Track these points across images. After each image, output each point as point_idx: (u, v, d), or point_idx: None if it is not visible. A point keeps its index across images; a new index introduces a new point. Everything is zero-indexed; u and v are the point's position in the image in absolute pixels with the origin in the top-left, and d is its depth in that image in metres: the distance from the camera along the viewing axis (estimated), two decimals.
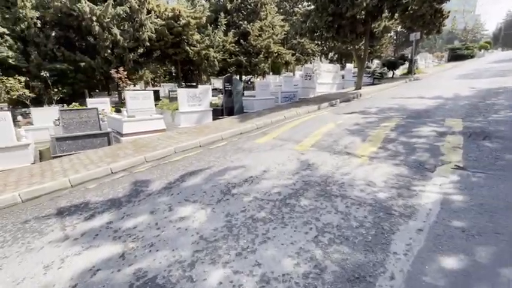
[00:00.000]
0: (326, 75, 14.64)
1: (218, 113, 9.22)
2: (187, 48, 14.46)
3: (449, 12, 15.29)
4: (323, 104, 9.41)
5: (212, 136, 5.85)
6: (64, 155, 5.73)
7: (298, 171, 3.64)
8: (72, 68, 11.46)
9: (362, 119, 6.57)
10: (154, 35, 12.64)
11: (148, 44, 12.35)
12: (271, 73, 23.25)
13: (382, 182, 3.15)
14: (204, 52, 15.42)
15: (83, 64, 11.40)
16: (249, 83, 19.01)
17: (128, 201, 3.22)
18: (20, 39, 10.13)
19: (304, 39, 24.76)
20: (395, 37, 34.38)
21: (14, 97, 9.48)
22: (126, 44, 11.70)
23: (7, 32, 9.72)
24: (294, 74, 25.50)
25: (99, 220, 2.83)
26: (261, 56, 18.70)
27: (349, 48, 28.95)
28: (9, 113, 5.25)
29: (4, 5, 9.77)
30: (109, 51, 11.52)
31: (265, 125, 7.03)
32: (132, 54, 12.16)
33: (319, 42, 28.30)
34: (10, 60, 9.74)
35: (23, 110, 8.92)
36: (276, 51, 19.44)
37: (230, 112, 9.22)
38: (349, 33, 11.60)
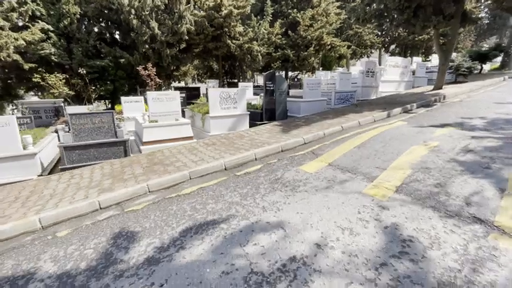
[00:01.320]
0: (392, 70, 11.98)
1: (256, 117, 7.78)
2: (229, 41, 13.35)
3: None
4: (394, 110, 7.19)
5: (243, 155, 4.41)
6: (74, 167, 4.95)
7: (386, 261, 1.93)
8: (112, 64, 11.31)
9: (471, 139, 4.37)
10: (193, 28, 11.79)
11: (187, 37, 11.57)
12: (320, 69, 20.91)
13: None
14: (247, 46, 14.16)
15: (122, 60, 11.16)
16: (296, 80, 17.14)
17: (83, 286, 1.96)
18: (63, 36, 10.25)
19: (362, 29, 21.70)
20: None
21: (55, 95, 9.54)
22: (163, 38, 11.06)
23: (51, 29, 9.83)
24: (347, 70, 22.65)
25: None
26: (311, 48, 16.62)
27: (417, 38, 24.61)
28: (14, 117, 4.60)
29: (49, 1, 9.88)
30: (147, 46, 11.05)
31: (316, 138, 5.31)
32: (170, 49, 11.48)
33: (383, 32, 24.67)
34: (53, 57, 9.87)
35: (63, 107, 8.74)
36: (329, 43, 17.12)
37: (271, 116, 7.70)
38: (432, 15, 8.92)
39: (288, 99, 8.22)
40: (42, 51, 9.40)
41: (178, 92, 6.28)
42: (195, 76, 26.87)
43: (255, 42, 14.93)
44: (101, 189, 3.56)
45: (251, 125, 7.56)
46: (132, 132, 7.40)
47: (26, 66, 9.53)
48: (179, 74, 24.32)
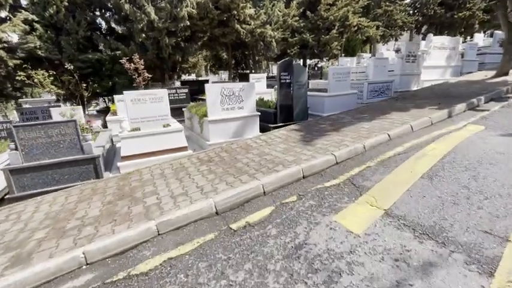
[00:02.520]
0: (437, 54, 9.84)
1: (269, 118, 6.25)
2: (238, 26, 11.73)
3: None
4: (456, 107, 5.35)
5: (245, 189, 2.95)
6: (25, 196, 3.77)
7: None
8: (108, 58, 10.15)
9: None
10: (195, 11, 10.29)
11: (188, 23, 10.12)
12: (342, 55, 18.73)
13: None
14: (259, 31, 12.46)
15: (118, 53, 9.96)
16: (316, 69, 15.21)
17: None
18: (50, 27, 9.19)
19: (393, 7, 19.08)
20: None
21: (41, 94, 8.55)
22: (161, 25, 9.67)
23: (36, 19, 8.75)
24: (374, 55, 20.29)
25: None
26: (334, 31, 14.52)
27: (457, 16, 21.41)
28: None
29: None
30: (143, 35, 9.74)
31: (353, 155, 3.73)
32: (170, 38, 10.08)
33: (415, 10, 21.70)
34: (40, 52, 8.83)
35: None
36: (355, 23, 14.92)
37: (287, 117, 6.14)
38: None
39: (308, 93, 6.59)
40: (26, 45, 8.41)
41: (165, 90, 4.89)
42: (208, 68, 25.50)
43: (268, 26, 13.16)
44: (16, 257, 2.27)
45: (262, 129, 6.07)
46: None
47: (11, 63, 8.60)
48: (188, 66, 23.14)
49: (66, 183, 4.17)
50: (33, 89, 9.04)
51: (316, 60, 21.14)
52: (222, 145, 4.94)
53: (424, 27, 26.61)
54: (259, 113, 5.76)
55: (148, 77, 6.50)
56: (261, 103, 7.12)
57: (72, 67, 7.88)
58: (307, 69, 14.39)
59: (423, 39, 22.41)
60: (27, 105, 9.83)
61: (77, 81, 8.94)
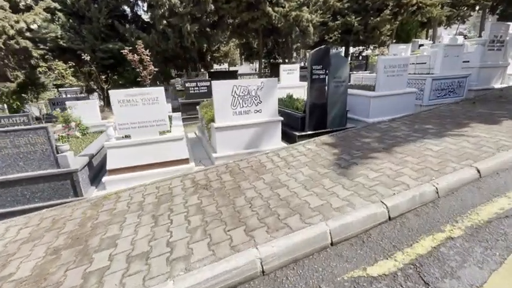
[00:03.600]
0: None
1: (295, 123, 4.99)
2: (269, 10, 10.30)
3: None
4: None
5: (233, 266, 1.83)
6: None
7: None
8: (130, 47, 9.63)
9: None
10: None
11: (212, 7, 9.06)
12: (393, 41, 16.06)
13: None
14: (293, 14, 10.87)
15: (139, 42, 9.34)
16: (360, 58, 13.04)
17: None
18: (72, 15, 8.88)
19: None
20: None
21: (65, 86, 8.36)
22: (182, 10, 8.76)
23: (58, 7, 8.46)
24: (433, 42, 17.32)
25: None
26: (387, 12, 12.19)
27: None
28: None
29: None
30: (165, 22, 8.95)
31: (417, 204, 2.36)
32: (192, 24, 9.15)
33: None
34: (61, 42, 8.60)
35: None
36: (414, 2, 12.35)
37: (319, 123, 4.81)
38: None
39: (349, 91, 5.11)
40: (47, 35, 8.22)
41: (160, 89, 3.92)
42: (242, 57, 24.40)
43: (305, 8, 11.47)
44: None
45: (286, 137, 4.86)
46: None
47: (35, 54, 8.53)
48: (220, 55, 22.34)
49: (40, 201, 3.51)
50: (55, 80, 8.97)
51: (361, 48, 18.64)
52: (229, 162, 3.86)
53: (501, 7, 21.92)
54: (281, 118, 4.52)
55: (154, 70, 5.65)
56: (287, 102, 5.84)
57: (88, 58, 7.40)
58: (349, 59, 12.46)
59: (499, 19, 18.32)
60: (62, 95, 9.92)
61: (95, 72, 8.56)
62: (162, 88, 3.92)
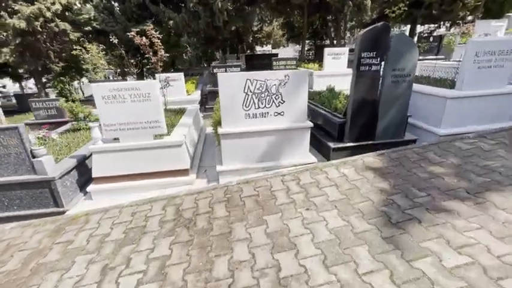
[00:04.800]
0: None
1: (331, 129, 3.78)
2: None
3: None
4: None
5: None
6: None
7: None
8: (161, 29, 9.12)
9: None
10: None
11: None
12: (479, 15, 12.64)
13: None
14: None
15: (171, 22, 8.77)
16: (431, 40, 10.34)
17: None
18: None
19: None
20: None
21: (95, 71, 8.30)
22: None
23: None
24: None
25: None
26: None
27: None
28: None
29: None
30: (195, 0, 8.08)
31: None
32: (225, 1, 8.10)
33: None
34: (95, 24, 8.45)
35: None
36: None
37: (365, 132, 3.52)
38: None
39: (414, 87, 3.61)
40: (80, 16, 8.12)
41: (154, 82, 3.10)
42: (283, 38, 22.57)
43: None
44: None
45: (316, 145, 3.78)
46: None
47: (73, 36, 8.59)
48: (262, 37, 20.94)
49: (19, 209, 3.12)
50: (88, 64, 9.02)
51: (432, 26, 15.30)
52: (232, 182, 2.94)
53: None
54: (310, 124, 3.36)
55: (164, 56, 4.87)
56: (325, 98, 4.56)
57: (116, 40, 7.01)
58: (416, 42, 10.18)
59: None
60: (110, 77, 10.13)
61: (132, 55, 8.27)
62: (154, 82, 3.10)
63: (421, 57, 8.19)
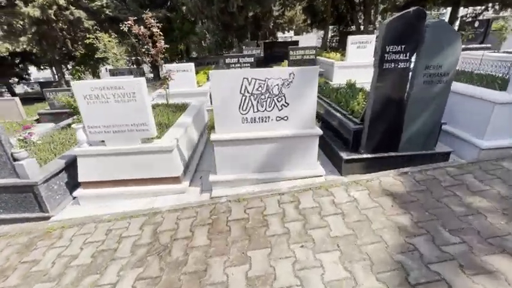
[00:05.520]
0: None
1: (344, 136, 3.23)
2: None
3: None
4: None
5: None
6: None
7: None
8: (175, 16, 8.75)
9: None
10: None
11: None
12: None
13: None
14: None
15: (184, 8, 8.34)
16: (476, 25, 8.86)
17: None
18: None
19: None
20: None
21: (108, 61, 8.19)
22: None
23: None
24: None
25: None
26: None
27: None
28: None
29: None
30: None
31: None
32: None
33: None
34: (108, 11, 8.26)
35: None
36: None
37: (385, 142, 2.95)
38: None
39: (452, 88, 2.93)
40: (93, 3, 7.95)
41: (140, 80, 2.73)
42: (305, 24, 21.21)
43: None
44: None
45: (326, 152, 3.29)
46: None
47: (87, 24, 8.49)
48: (283, 22, 19.85)
49: (5, 212, 3.00)
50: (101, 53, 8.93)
51: (478, 8, 13.41)
52: (222, 199, 2.57)
53: None
54: (319, 132, 2.85)
55: (164, 48, 4.49)
56: (342, 97, 3.97)
57: (126, 28, 6.77)
58: (456, 30, 8.96)
59: None
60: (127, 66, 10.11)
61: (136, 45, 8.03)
62: (140, 80, 2.74)
63: (462, 46, 7.10)
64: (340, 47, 11.05)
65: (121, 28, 4.71)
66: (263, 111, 2.79)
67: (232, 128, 2.83)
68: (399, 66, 2.65)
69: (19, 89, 13.50)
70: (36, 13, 7.23)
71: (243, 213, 2.29)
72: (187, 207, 2.50)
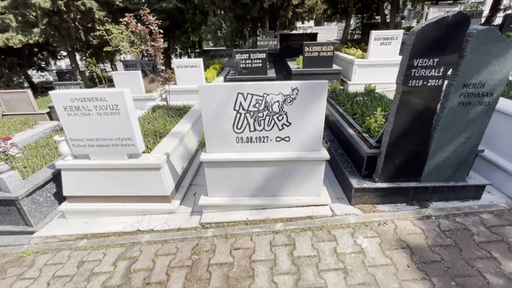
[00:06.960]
0: None
1: (357, 158, 2.78)
2: None
3: None
4: None
5: None
6: None
7: None
8: (186, 7, 8.36)
9: None
10: None
11: None
12: None
13: None
14: None
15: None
16: None
17: None
18: None
19: None
20: None
21: (121, 53, 8.02)
22: None
23: None
24: None
25: None
26: None
27: None
28: None
29: None
30: None
31: None
32: None
33: None
34: (117, 1, 8.01)
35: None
36: None
37: (405, 169, 2.48)
38: None
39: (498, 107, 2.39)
40: None
41: (122, 91, 2.42)
42: (324, 15, 19.96)
43: None
44: None
45: (336, 174, 2.89)
46: None
47: (98, 15, 8.32)
48: (303, 11, 18.81)
49: None
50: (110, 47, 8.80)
51: None
52: (205, 235, 2.28)
53: None
54: (327, 156, 2.44)
55: (163, 47, 4.13)
56: (357, 107, 3.49)
57: (135, 21, 6.52)
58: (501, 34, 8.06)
59: None
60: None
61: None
62: (123, 91, 2.43)
63: None
64: (363, 41, 10.21)
65: (122, 23, 4.44)
66: (261, 130, 2.41)
67: (225, 148, 2.49)
68: (429, 84, 2.15)
69: (39, 77, 13.85)
70: (47, 4, 7.14)
71: (228, 256, 1.97)
72: (169, 240, 2.22)
